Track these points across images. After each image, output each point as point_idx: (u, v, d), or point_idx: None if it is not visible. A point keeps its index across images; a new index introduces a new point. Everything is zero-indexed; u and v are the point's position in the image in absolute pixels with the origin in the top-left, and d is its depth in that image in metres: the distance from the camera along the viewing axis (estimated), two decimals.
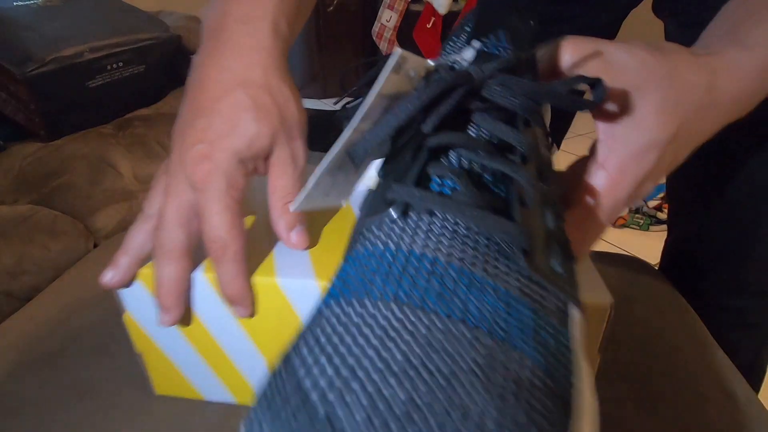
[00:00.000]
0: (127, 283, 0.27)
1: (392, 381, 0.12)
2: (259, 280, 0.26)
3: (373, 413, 0.11)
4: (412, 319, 0.14)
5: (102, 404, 0.31)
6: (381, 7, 2.05)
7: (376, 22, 2.08)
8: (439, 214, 0.17)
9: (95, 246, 0.65)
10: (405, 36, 2.08)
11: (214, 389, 0.31)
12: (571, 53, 0.24)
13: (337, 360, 0.13)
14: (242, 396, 0.31)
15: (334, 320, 0.15)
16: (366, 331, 0.14)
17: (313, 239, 0.28)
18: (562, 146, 0.58)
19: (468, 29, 0.24)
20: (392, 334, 0.14)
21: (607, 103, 0.23)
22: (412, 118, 0.19)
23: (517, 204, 0.18)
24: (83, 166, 0.71)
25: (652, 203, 1.44)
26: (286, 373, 0.13)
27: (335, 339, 0.14)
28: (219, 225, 0.23)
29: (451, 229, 0.17)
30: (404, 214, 0.18)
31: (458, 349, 0.13)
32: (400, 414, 0.11)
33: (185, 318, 0.27)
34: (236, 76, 0.24)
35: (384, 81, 0.20)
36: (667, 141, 0.23)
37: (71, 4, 0.87)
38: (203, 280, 0.26)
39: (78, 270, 0.49)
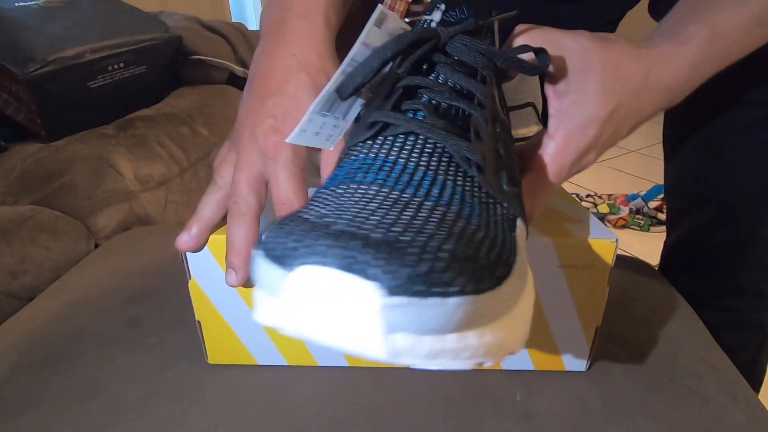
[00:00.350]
0: (198, 248, 0.29)
1: (369, 213, 0.16)
2: None
3: (350, 223, 0.15)
4: (386, 193, 0.18)
5: (103, 405, 0.31)
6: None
7: None
8: (411, 136, 0.21)
9: (96, 246, 0.65)
10: None
11: (268, 353, 0.33)
12: (525, 38, 0.28)
13: (329, 208, 0.17)
14: (294, 358, 0.33)
15: (325, 193, 0.19)
16: (350, 196, 0.18)
17: None
18: None
19: (438, 6, 0.28)
20: (369, 198, 0.17)
21: (556, 83, 0.27)
22: (390, 64, 0.23)
23: (474, 136, 0.21)
24: (84, 166, 0.71)
25: (653, 204, 1.43)
26: (293, 215, 0.17)
27: (327, 199, 0.18)
28: (287, 188, 0.27)
29: (420, 146, 0.21)
30: (382, 133, 0.21)
31: (422, 211, 0.17)
32: (371, 223, 0.15)
33: (248, 281, 0.29)
34: (299, 61, 0.28)
35: (367, 32, 0.23)
36: (606, 118, 0.27)
37: (72, 4, 0.87)
38: None
39: (79, 270, 0.49)
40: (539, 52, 0.25)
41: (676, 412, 0.32)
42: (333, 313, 0.14)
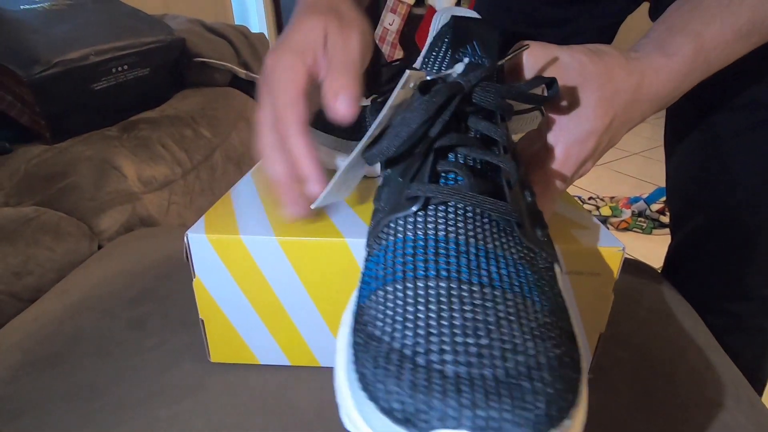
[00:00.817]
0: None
1: (455, 329, 0.16)
2: (329, 241, 0.29)
3: (451, 355, 0.15)
4: (454, 288, 0.18)
5: (105, 405, 0.31)
6: (384, 11, 2.06)
7: (378, 25, 2.09)
8: (452, 204, 0.21)
9: (99, 247, 0.65)
10: (407, 39, 2.08)
11: (270, 352, 0.33)
12: (530, 58, 0.29)
13: (410, 325, 0.17)
14: (296, 358, 0.34)
15: (389, 294, 0.19)
16: (422, 302, 0.18)
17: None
18: None
19: (446, 40, 0.28)
20: (443, 300, 0.17)
21: (555, 97, 0.27)
22: (419, 127, 0.23)
23: (507, 187, 0.22)
24: (88, 168, 0.71)
25: (655, 207, 1.43)
26: (376, 342, 0.17)
27: (399, 305, 0.18)
28: (282, 103, 0.27)
29: (462, 213, 0.21)
30: (424, 207, 0.21)
31: (494, 305, 0.17)
32: (469, 350, 0.16)
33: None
34: (308, 3, 0.30)
35: (394, 96, 0.24)
36: (603, 130, 0.28)
37: (77, 7, 0.88)
38: (274, 244, 0.29)
39: (82, 271, 0.49)
40: (551, 83, 0.26)
41: (678, 415, 0.31)
42: None
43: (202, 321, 0.32)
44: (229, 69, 1.13)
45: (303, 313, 0.31)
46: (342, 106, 0.26)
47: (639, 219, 1.43)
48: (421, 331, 0.16)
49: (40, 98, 0.73)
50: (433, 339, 0.16)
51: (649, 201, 1.45)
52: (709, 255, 0.49)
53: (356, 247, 0.29)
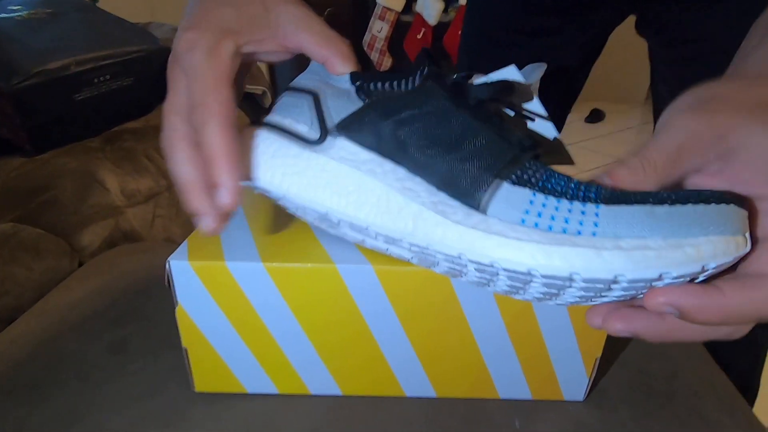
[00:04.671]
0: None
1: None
2: (319, 267, 0.28)
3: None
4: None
5: (86, 431, 0.30)
6: (372, 18, 2.06)
7: (367, 32, 2.09)
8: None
9: (80, 265, 0.63)
10: (396, 46, 2.08)
11: (258, 381, 0.32)
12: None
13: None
14: (285, 386, 0.32)
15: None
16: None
17: None
18: None
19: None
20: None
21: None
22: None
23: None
24: (69, 181, 0.70)
25: None
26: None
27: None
28: (200, 89, 0.23)
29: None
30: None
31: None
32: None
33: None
34: None
35: None
36: None
37: (57, 16, 0.86)
38: (261, 271, 0.28)
39: (62, 291, 0.48)
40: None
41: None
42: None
43: (186, 350, 0.31)
44: None
45: (292, 340, 0.30)
46: (224, 199, 0.22)
47: None
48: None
49: (19, 109, 0.72)
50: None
51: None
52: None
53: (346, 273, 0.28)
